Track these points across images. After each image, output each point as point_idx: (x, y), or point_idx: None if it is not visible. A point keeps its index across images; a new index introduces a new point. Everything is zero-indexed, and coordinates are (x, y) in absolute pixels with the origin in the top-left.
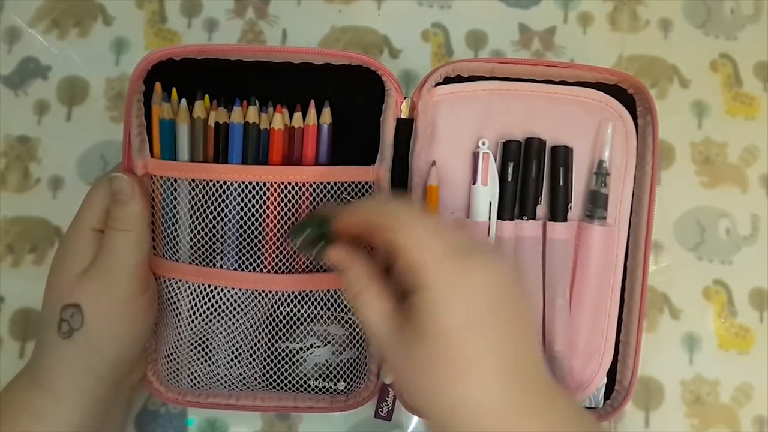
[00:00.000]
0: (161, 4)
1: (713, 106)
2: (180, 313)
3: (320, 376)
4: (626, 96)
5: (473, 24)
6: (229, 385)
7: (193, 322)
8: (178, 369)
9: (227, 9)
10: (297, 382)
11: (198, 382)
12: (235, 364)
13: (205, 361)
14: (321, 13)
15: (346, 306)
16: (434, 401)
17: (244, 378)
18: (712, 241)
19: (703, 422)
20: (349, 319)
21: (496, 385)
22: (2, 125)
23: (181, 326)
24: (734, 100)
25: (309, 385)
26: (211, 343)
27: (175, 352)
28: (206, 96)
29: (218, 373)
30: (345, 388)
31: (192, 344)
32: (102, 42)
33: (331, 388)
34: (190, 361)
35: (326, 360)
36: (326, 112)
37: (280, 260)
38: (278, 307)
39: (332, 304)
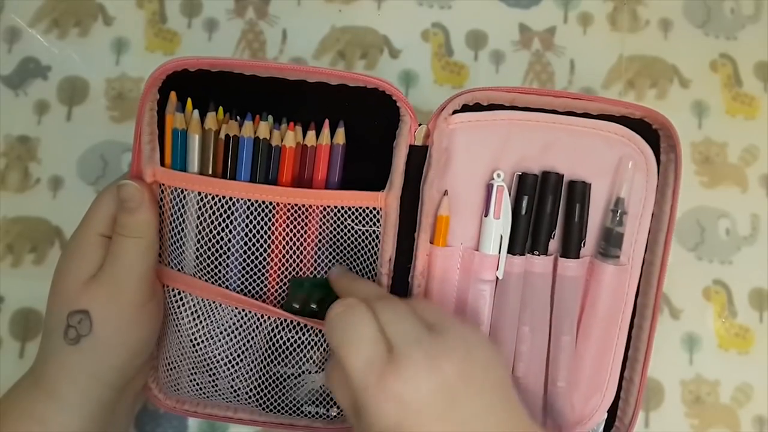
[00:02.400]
0: (161, 4)
1: (713, 106)
2: (181, 324)
3: (314, 401)
4: (650, 132)
5: (473, 24)
6: (227, 398)
7: (193, 333)
8: (177, 378)
9: (227, 9)
10: (290, 406)
11: (197, 392)
12: (233, 380)
13: (204, 372)
14: (321, 13)
15: None
16: None
17: (239, 392)
18: (712, 241)
19: (703, 422)
20: None
21: None
22: (2, 125)
23: (181, 336)
24: (734, 100)
25: (302, 410)
26: (210, 356)
27: (175, 361)
28: (220, 108)
29: (216, 385)
30: (337, 414)
31: (191, 355)
32: (102, 42)
33: (323, 414)
34: (189, 371)
35: (321, 386)
36: (340, 132)
37: (285, 280)
38: (278, 332)
39: None
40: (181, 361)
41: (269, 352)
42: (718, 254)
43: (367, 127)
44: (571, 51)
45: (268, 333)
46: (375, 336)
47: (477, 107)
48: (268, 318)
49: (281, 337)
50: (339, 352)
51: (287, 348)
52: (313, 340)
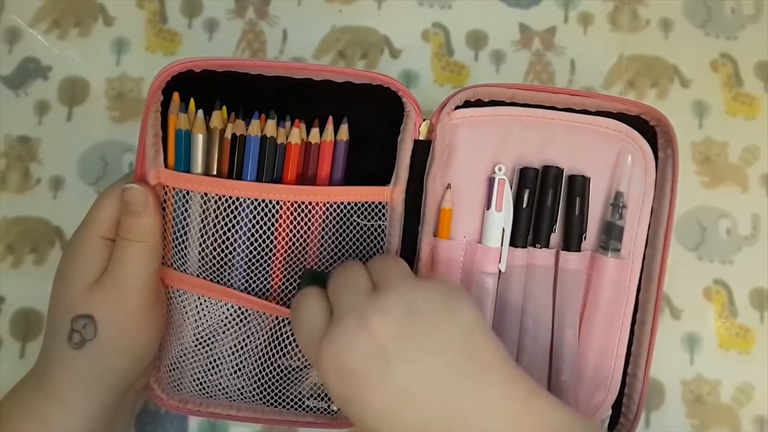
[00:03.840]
0: (162, 4)
1: (713, 106)
2: (184, 324)
3: (316, 395)
4: (647, 128)
5: (473, 24)
6: (230, 397)
7: (196, 333)
8: (180, 377)
9: (227, 9)
10: (292, 400)
11: (199, 391)
12: (236, 377)
13: (207, 371)
14: (321, 13)
15: None
16: None
17: (242, 390)
18: (712, 241)
19: (703, 422)
20: None
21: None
22: (3, 125)
23: (184, 336)
24: (735, 100)
25: (304, 404)
26: (213, 355)
27: (177, 360)
28: (224, 107)
29: (219, 384)
30: (338, 410)
31: (194, 354)
32: (102, 42)
33: (325, 408)
34: (192, 370)
35: None
36: (344, 128)
37: (289, 278)
38: (283, 325)
39: None
40: (183, 361)
41: (273, 345)
42: (718, 254)
43: (369, 124)
44: (571, 51)
45: (273, 327)
46: (317, 313)
47: (478, 103)
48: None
49: (285, 330)
50: (293, 328)
51: (291, 341)
52: None
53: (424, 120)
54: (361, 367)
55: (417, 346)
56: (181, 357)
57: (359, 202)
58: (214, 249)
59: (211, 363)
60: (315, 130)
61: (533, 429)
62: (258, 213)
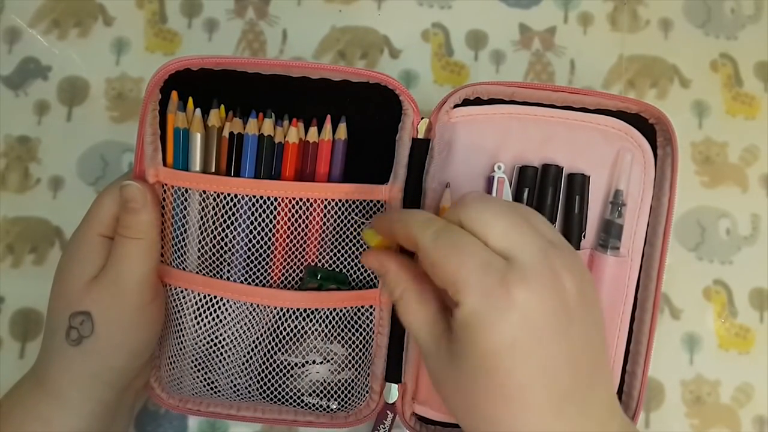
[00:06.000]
0: (161, 4)
1: (713, 106)
2: (184, 322)
3: (315, 392)
4: (647, 126)
5: (473, 24)
6: (230, 395)
7: (196, 331)
8: (180, 376)
9: (227, 9)
10: (291, 396)
11: (199, 390)
12: (236, 374)
13: (207, 368)
14: (321, 13)
15: (350, 326)
16: (480, 424)
17: (242, 388)
18: (712, 241)
19: (703, 422)
20: (352, 339)
21: (550, 415)
22: (2, 125)
23: (184, 334)
24: (734, 100)
25: (302, 401)
26: (213, 352)
27: (177, 359)
28: (222, 106)
29: (219, 382)
30: (337, 408)
31: (194, 352)
32: (102, 42)
33: (323, 406)
34: (192, 369)
35: (324, 378)
36: (342, 127)
37: (288, 275)
38: (283, 321)
39: (337, 323)
40: (183, 359)
41: (274, 339)
42: (718, 254)
43: (367, 123)
44: (571, 51)
45: (274, 322)
46: (485, 247)
47: (477, 101)
48: (273, 308)
49: (286, 327)
50: (446, 262)
51: (291, 337)
52: (316, 329)
53: (422, 118)
54: (548, 318)
55: (586, 306)
56: (180, 355)
57: (358, 200)
58: (213, 246)
59: (210, 360)
60: (313, 129)
61: None
62: (256, 210)
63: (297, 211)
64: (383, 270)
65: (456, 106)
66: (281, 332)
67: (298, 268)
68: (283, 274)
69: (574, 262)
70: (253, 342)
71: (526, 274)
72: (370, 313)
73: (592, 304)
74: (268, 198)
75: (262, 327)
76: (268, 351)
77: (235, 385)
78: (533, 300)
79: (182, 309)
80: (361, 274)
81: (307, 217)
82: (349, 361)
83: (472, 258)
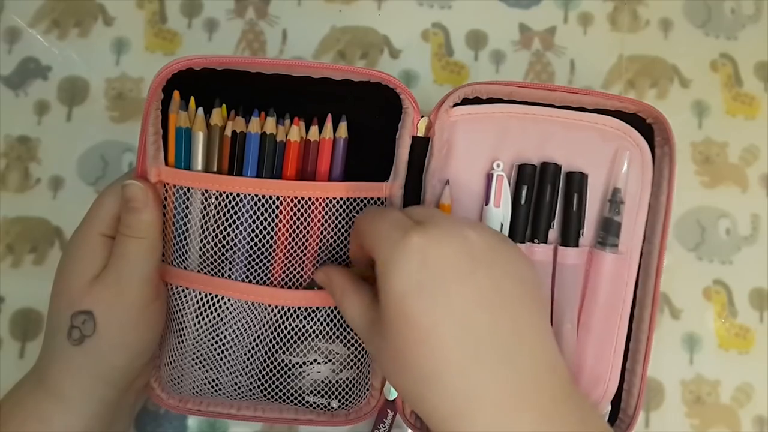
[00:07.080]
0: (161, 4)
1: (713, 106)
2: (185, 321)
3: (316, 392)
4: (645, 125)
5: (473, 24)
6: (230, 395)
7: (197, 329)
8: (180, 376)
9: (227, 9)
10: (292, 395)
11: (200, 390)
12: (238, 372)
13: (207, 368)
14: (321, 13)
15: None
16: (412, 386)
17: (242, 386)
18: (712, 241)
19: (703, 422)
20: (353, 338)
21: (466, 359)
22: (2, 125)
23: (185, 334)
24: (734, 100)
25: (304, 399)
26: (214, 351)
27: (178, 359)
28: (224, 105)
29: (219, 382)
30: (338, 406)
31: (195, 352)
32: (102, 42)
33: (324, 404)
34: (192, 369)
35: (325, 377)
36: (342, 126)
37: (289, 273)
38: (284, 321)
39: (338, 322)
40: (184, 359)
41: (274, 339)
42: (718, 254)
43: (368, 121)
44: (571, 51)
45: (275, 321)
46: (402, 215)
47: (477, 100)
48: (274, 307)
49: (287, 326)
50: (370, 228)
51: (293, 336)
52: (318, 329)
53: (422, 117)
54: (450, 262)
55: (499, 262)
56: (181, 355)
57: (358, 198)
58: (215, 245)
59: (211, 359)
60: (314, 128)
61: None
62: (258, 209)
63: (298, 210)
64: (328, 280)
65: (456, 105)
66: (282, 331)
67: (299, 266)
68: (284, 273)
69: (483, 227)
70: (255, 341)
71: (427, 226)
72: None
73: (507, 259)
74: (270, 197)
75: (263, 326)
76: (270, 350)
77: (236, 383)
78: (432, 245)
79: (183, 308)
80: None
81: (309, 216)
82: (350, 360)
83: (388, 220)
